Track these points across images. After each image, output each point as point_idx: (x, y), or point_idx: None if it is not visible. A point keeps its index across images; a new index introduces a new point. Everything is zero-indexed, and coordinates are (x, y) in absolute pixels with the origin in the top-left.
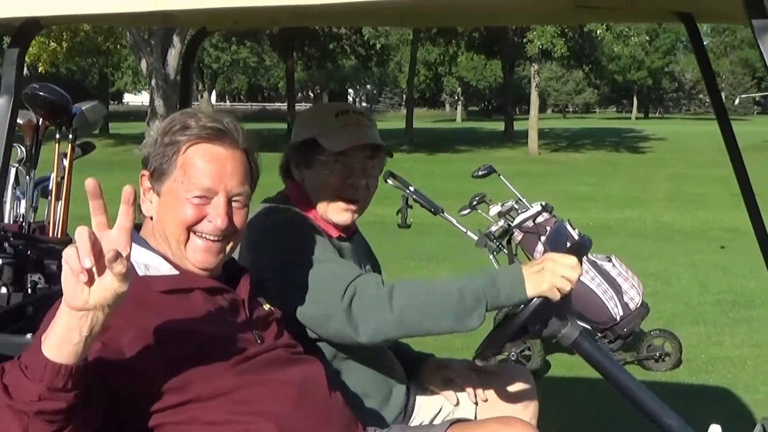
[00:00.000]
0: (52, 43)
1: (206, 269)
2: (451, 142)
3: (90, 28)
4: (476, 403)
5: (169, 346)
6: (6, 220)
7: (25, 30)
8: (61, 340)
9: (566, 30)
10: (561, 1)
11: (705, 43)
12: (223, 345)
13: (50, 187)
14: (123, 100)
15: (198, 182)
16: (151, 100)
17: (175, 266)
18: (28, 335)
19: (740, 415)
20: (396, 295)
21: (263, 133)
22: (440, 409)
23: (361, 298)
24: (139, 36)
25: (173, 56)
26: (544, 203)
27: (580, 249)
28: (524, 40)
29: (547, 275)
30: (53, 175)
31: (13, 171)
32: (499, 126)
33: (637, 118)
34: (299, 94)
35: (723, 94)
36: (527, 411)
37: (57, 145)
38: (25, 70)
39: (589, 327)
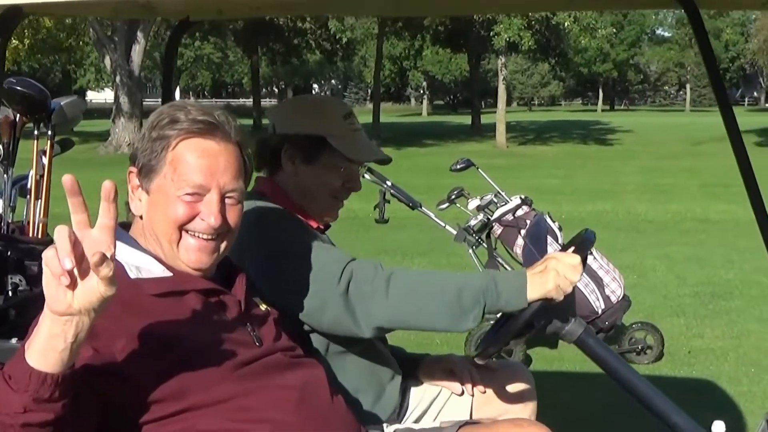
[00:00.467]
0: (13, 41)
1: (200, 269)
2: (419, 137)
3: (52, 24)
4: (473, 395)
5: (164, 352)
6: None
7: (6, 18)
8: (46, 347)
9: (533, 22)
10: None
11: (668, 35)
12: (221, 350)
13: (29, 186)
14: (86, 98)
15: (189, 179)
16: (116, 97)
17: (168, 267)
18: (13, 340)
19: (726, 409)
20: (394, 281)
21: None
22: (433, 401)
23: (358, 282)
24: (103, 32)
25: (137, 52)
26: (523, 196)
27: (583, 244)
28: (491, 33)
29: (552, 276)
30: (32, 173)
31: None
32: (466, 120)
33: (603, 111)
34: (264, 90)
35: (688, 86)
36: (527, 409)
37: (35, 142)
38: None
39: None
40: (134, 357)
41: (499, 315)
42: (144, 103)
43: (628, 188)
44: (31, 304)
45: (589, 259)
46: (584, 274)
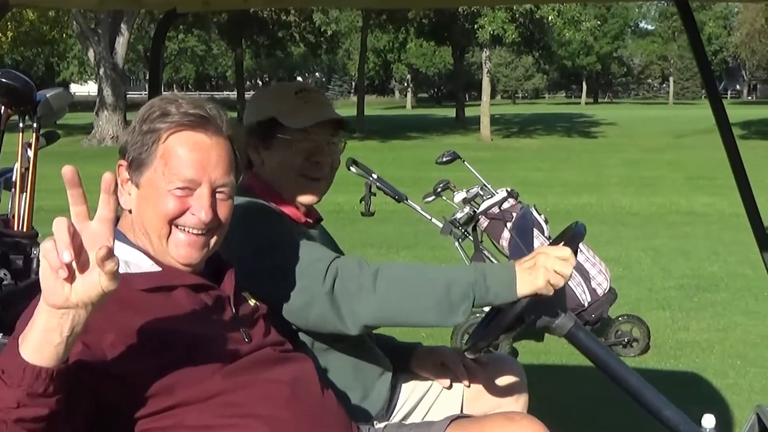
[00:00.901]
0: None
1: (189, 265)
2: (403, 129)
3: (35, 17)
4: (468, 386)
5: (153, 348)
6: None
7: None
8: (41, 341)
9: (517, 15)
10: None
11: (651, 28)
12: (211, 345)
13: (14, 179)
14: (69, 91)
15: (180, 173)
16: (99, 90)
17: (157, 262)
18: None
19: (712, 401)
20: (380, 277)
21: None
22: (423, 397)
23: (343, 279)
24: (86, 25)
25: (121, 45)
26: (509, 189)
27: (574, 237)
28: (475, 26)
29: (541, 272)
30: (17, 166)
31: None
32: (450, 112)
33: (586, 103)
34: (248, 83)
35: (671, 79)
36: (518, 402)
37: (21, 134)
38: None
39: None
40: (123, 352)
41: (488, 309)
42: (128, 95)
43: (613, 181)
44: (16, 299)
45: None
46: None
